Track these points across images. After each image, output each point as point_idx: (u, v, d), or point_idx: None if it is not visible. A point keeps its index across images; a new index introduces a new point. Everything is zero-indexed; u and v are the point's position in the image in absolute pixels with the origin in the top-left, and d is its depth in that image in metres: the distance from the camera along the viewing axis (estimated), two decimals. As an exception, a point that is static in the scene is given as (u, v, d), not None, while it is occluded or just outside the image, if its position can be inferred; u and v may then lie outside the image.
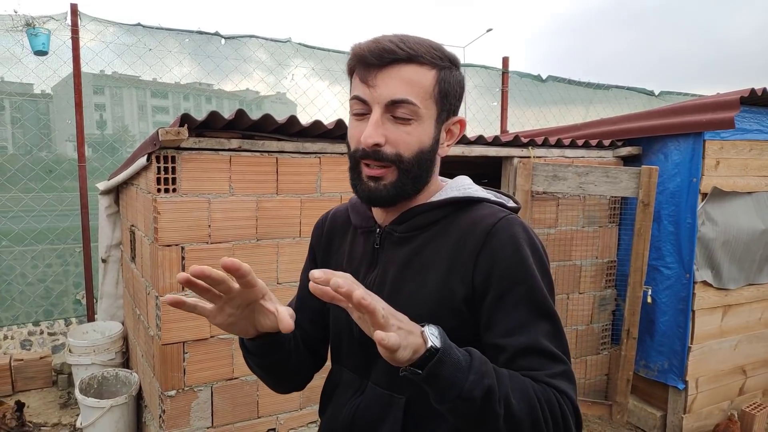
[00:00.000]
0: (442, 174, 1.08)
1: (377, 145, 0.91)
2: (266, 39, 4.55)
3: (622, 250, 3.58)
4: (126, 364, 3.41)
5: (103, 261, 3.68)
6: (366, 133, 0.91)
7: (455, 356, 0.78)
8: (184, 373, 2.42)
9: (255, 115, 2.39)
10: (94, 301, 3.86)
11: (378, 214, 1.06)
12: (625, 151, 3.45)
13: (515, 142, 3.10)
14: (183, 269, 2.37)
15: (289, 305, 1.19)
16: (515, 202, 1.06)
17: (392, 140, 0.92)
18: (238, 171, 2.44)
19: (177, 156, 2.31)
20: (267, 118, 2.37)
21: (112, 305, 3.70)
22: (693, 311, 3.25)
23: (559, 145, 3.25)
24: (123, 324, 3.58)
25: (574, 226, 3.38)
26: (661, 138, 3.36)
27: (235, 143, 2.40)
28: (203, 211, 2.39)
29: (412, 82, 0.91)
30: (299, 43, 4.68)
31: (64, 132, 5.13)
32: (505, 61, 5.45)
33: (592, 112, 5.91)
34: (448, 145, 1.01)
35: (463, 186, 1.04)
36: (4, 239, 4.22)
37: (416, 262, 0.98)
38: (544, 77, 5.51)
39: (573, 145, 3.30)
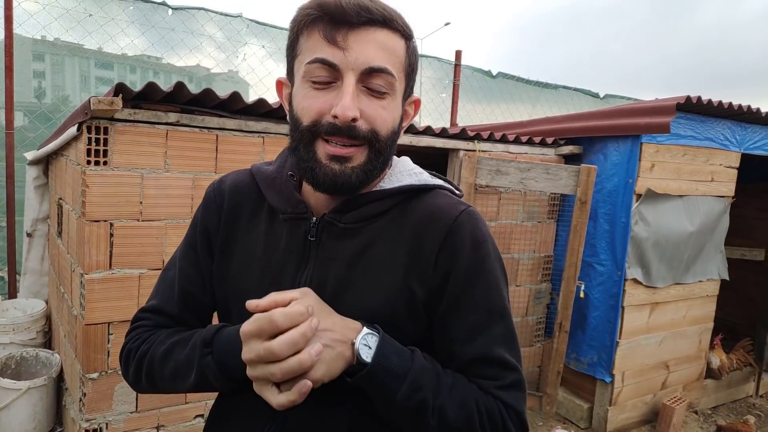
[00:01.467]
0: None
1: (354, 119, 0.77)
2: (216, 12, 4.40)
3: (559, 246, 3.67)
4: (48, 344, 3.25)
5: (29, 235, 3.48)
6: (345, 104, 0.75)
7: (390, 364, 0.75)
8: (108, 355, 2.31)
9: (203, 91, 2.29)
10: (17, 277, 3.65)
11: (314, 197, 0.88)
12: (566, 149, 3.53)
13: (462, 135, 3.11)
14: (111, 246, 2.26)
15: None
16: (458, 189, 0.97)
17: (367, 115, 0.78)
18: (174, 147, 2.34)
19: (110, 127, 2.19)
20: (208, 93, 2.28)
21: (36, 282, 3.51)
22: (623, 307, 3.37)
23: (503, 140, 3.29)
24: (47, 303, 3.41)
25: (515, 221, 3.44)
26: (601, 139, 3.46)
27: (173, 117, 2.30)
28: (135, 187, 2.28)
29: (388, 49, 0.78)
30: (251, 20, 4.54)
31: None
32: (458, 54, 5.48)
33: (538, 110, 6.04)
34: (403, 127, 0.89)
35: (412, 170, 0.92)
36: None
37: (366, 259, 0.84)
38: (494, 73, 5.58)
39: (517, 141, 3.35)
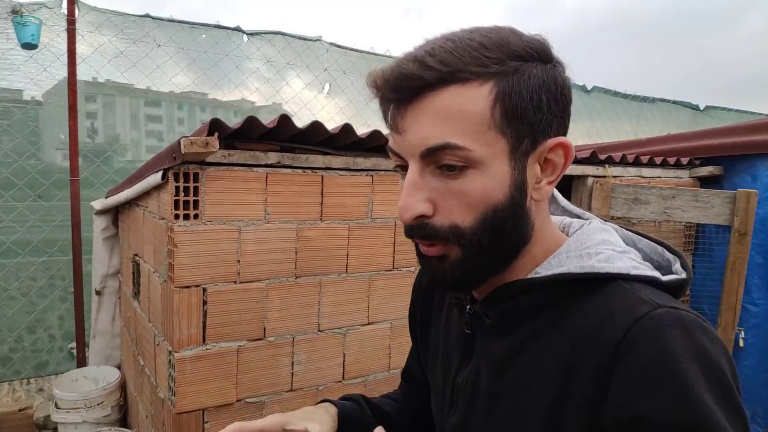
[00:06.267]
0: None
1: (422, 216, 0.63)
2: (293, 36, 4.12)
3: (697, 282, 3.14)
4: (123, 419, 2.87)
5: (98, 293, 3.13)
6: (400, 204, 0.63)
7: None
8: (205, 448, 1.90)
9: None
10: (86, 342, 3.30)
11: None
12: (704, 170, 3.02)
13: (592, 158, 2.64)
14: (204, 316, 1.87)
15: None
16: (684, 266, 0.68)
17: (442, 206, 0.63)
18: (275, 192, 1.95)
19: (201, 173, 1.82)
20: (316, 127, 1.89)
21: (107, 345, 3.15)
22: (788, 357, 2.82)
23: (636, 163, 2.81)
24: (119, 369, 3.04)
25: (651, 257, 2.93)
26: (745, 157, 2.97)
27: (273, 157, 1.92)
28: (232, 243, 1.89)
29: (449, 115, 0.60)
30: (331, 43, 4.26)
31: (54, 140, 4.75)
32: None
33: (643, 126, 5.56)
34: (549, 183, 0.66)
35: (588, 247, 0.66)
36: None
37: (517, 368, 0.67)
38: (589, 88, 5.13)
39: (651, 163, 2.86)
